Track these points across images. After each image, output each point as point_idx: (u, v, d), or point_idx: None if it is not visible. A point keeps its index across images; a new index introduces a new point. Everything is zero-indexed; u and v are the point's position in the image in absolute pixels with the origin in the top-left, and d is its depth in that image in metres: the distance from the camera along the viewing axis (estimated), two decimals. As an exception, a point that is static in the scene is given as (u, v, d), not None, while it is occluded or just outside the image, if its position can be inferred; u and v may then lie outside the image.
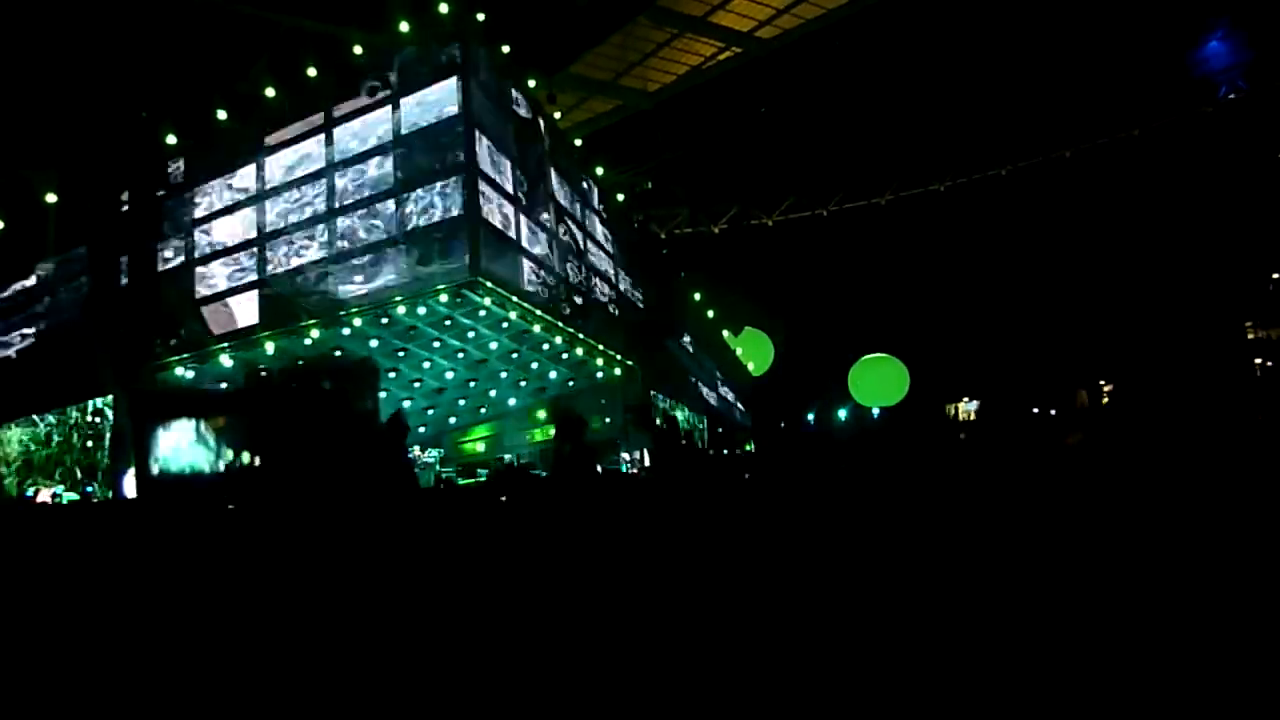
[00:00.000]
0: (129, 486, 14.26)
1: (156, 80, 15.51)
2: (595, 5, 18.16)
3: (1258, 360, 24.15)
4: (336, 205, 14.18)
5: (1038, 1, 18.47)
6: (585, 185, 18.50)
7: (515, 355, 17.34)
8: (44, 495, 14.08)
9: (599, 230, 18.77)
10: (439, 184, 13.39)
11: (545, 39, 17.97)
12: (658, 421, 15.49)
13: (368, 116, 14.18)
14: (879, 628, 2.30)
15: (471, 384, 18.48)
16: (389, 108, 13.98)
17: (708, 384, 23.91)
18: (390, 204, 13.76)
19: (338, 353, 15.16)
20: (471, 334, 15.98)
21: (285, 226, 14.60)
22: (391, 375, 17.30)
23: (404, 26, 14.04)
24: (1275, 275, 24.26)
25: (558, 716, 1.86)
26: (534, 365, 17.98)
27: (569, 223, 17.25)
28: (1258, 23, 19.38)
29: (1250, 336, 24.90)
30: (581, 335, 16.68)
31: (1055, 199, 22.96)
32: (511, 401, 19.82)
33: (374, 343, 15.61)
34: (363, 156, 14.11)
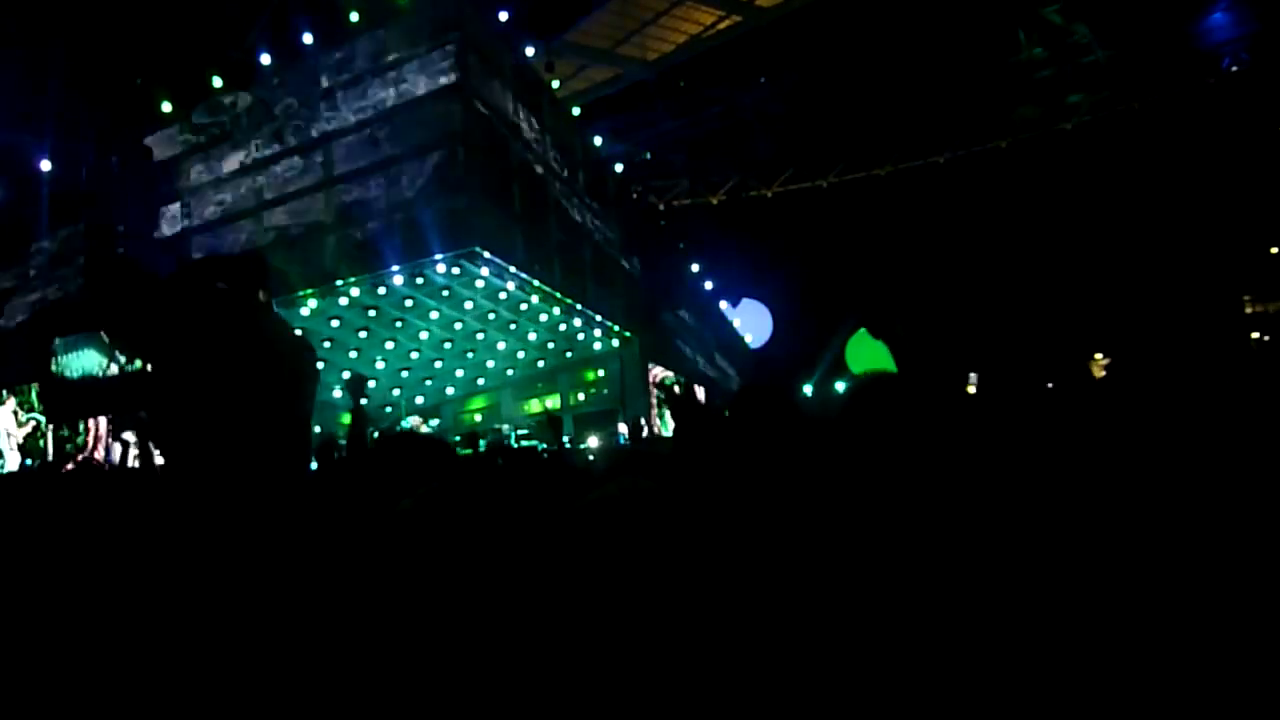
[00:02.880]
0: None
1: (151, 47, 15.33)
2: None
3: (1255, 334, 24.16)
4: (332, 175, 14.11)
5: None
6: (583, 155, 18.40)
7: (513, 326, 17.34)
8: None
9: (597, 200, 18.70)
10: (435, 153, 13.31)
11: (543, 6, 17.77)
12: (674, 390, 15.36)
13: (364, 85, 14.07)
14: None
15: (469, 354, 18.49)
16: (386, 76, 13.87)
17: (705, 356, 23.95)
18: (386, 173, 13.69)
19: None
20: (469, 304, 15.96)
21: (280, 196, 14.54)
22: (389, 346, 17.30)
23: (400, -8, 13.90)
24: (1275, 249, 24.21)
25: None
26: (531, 336, 17.98)
27: (567, 192, 17.18)
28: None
29: (1248, 310, 24.90)
30: (579, 306, 16.68)
31: (1056, 171, 22.85)
32: (509, 372, 19.85)
33: (371, 312, 15.59)
34: (359, 125, 14.02)
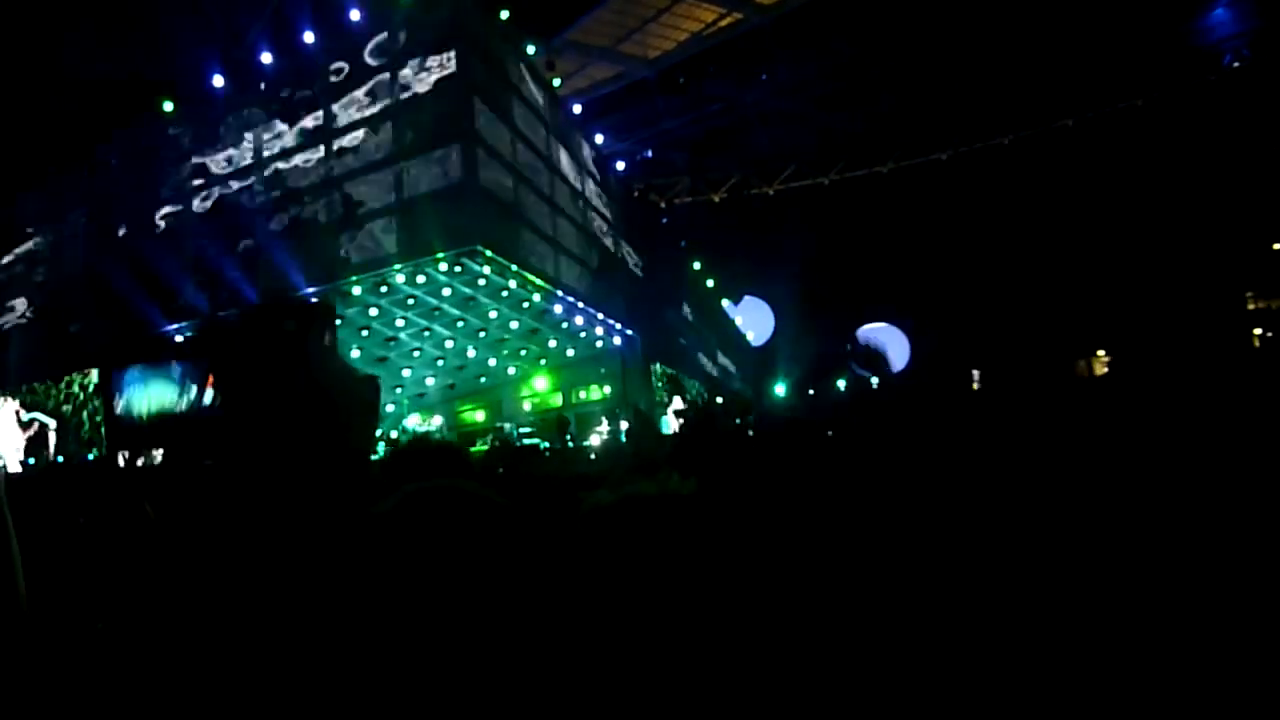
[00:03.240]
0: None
1: (155, 45, 15.36)
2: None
3: (1257, 330, 24.14)
4: (334, 173, 14.13)
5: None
6: (585, 153, 18.41)
7: (515, 324, 17.35)
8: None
9: (598, 199, 18.71)
10: (438, 151, 13.32)
11: (544, 4, 17.78)
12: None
13: (365, 83, 14.08)
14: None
15: (471, 353, 18.51)
16: (387, 74, 13.88)
17: (707, 354, 23.96)
18: (389, 171, 13.70)
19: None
20: (471, 303, 15.96)
21: (284, 193, 14.55)
22: (391, 344, 17.32)
23: (402, -9, 13.91)
24: (1276, 246, 24.19)
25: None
26: (534, 334, 18.00)
27: (569, 191, 17.19)
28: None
29: (1250, 307, 24.88)
30: (581, 304, 16.69)
31: (1058, 168, 22.85)
32: (511, 370, 19.87)
33: (373, 311, 15.60)
34: (360, 123, 14.03)
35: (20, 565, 1.06)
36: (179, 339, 13.76)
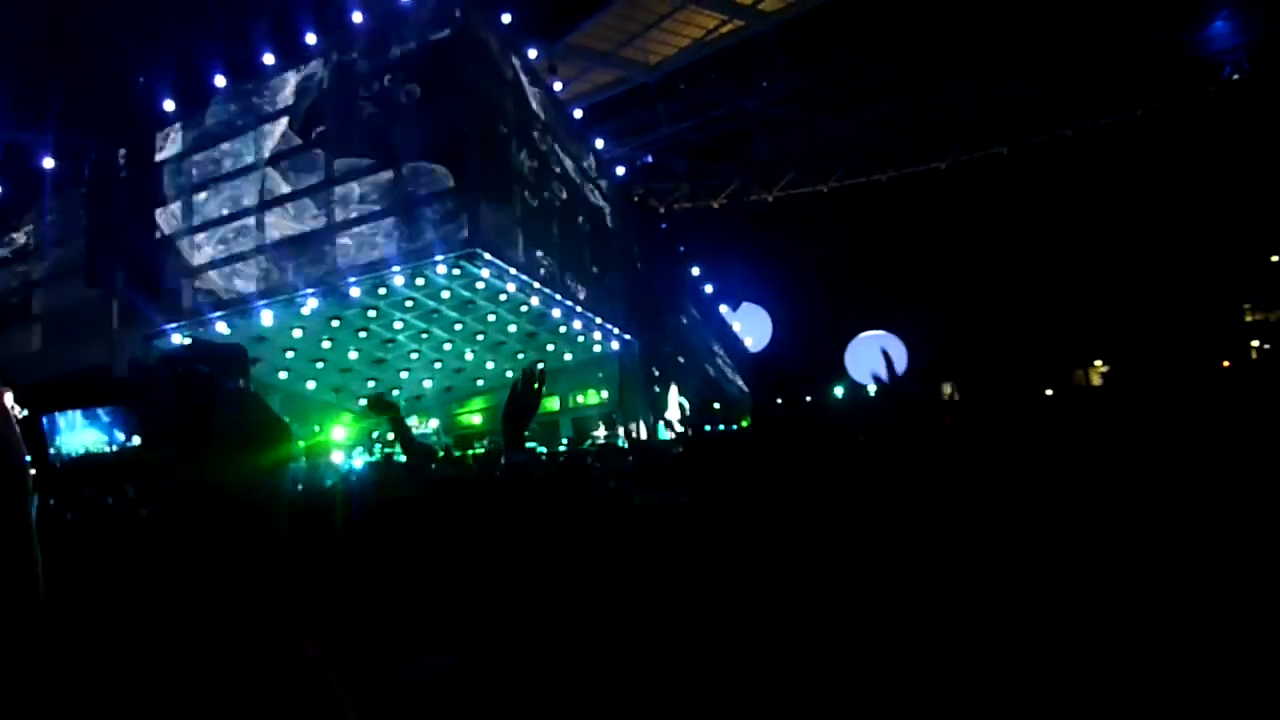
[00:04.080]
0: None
1: (154, 46, 15.36)
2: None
3: (1255, 342, 24.18)
4: (334, 175, 14.13)
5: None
6: (585, 158, 18.43)
7: (513, 328, 17.35)
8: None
9: (598, 203, 18.73)
10: (438, 154, 13.34)
11: (546, 8, 17.80)
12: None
13: (367, 84, 14.09)
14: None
15: (469, 356, 18.51)
16: (388, 76, 13.90)
17: (705, 359, 23.95)
18: (389, 174, 13.71)
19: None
20: (469, 306, 15.97)
21: (283, 195, 14.56)
22: (389, 346, 17.32)
23: (404, -6, 13.92)
24: (1275, 258, 24.23)
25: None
26: (531, 338, 18.00)
27: (568, 195, 17.20)
28: (1262, 3, 19.24)
29: (1248, 319, 24.92)
30: (579, 308, 16.69)
31: (1056, 178, 22.88)
32: (509, 374, 19.84)
33: (371, 313, 15.61)
34: (361, 126, 14.04)
35: (39, 559, 1.05)
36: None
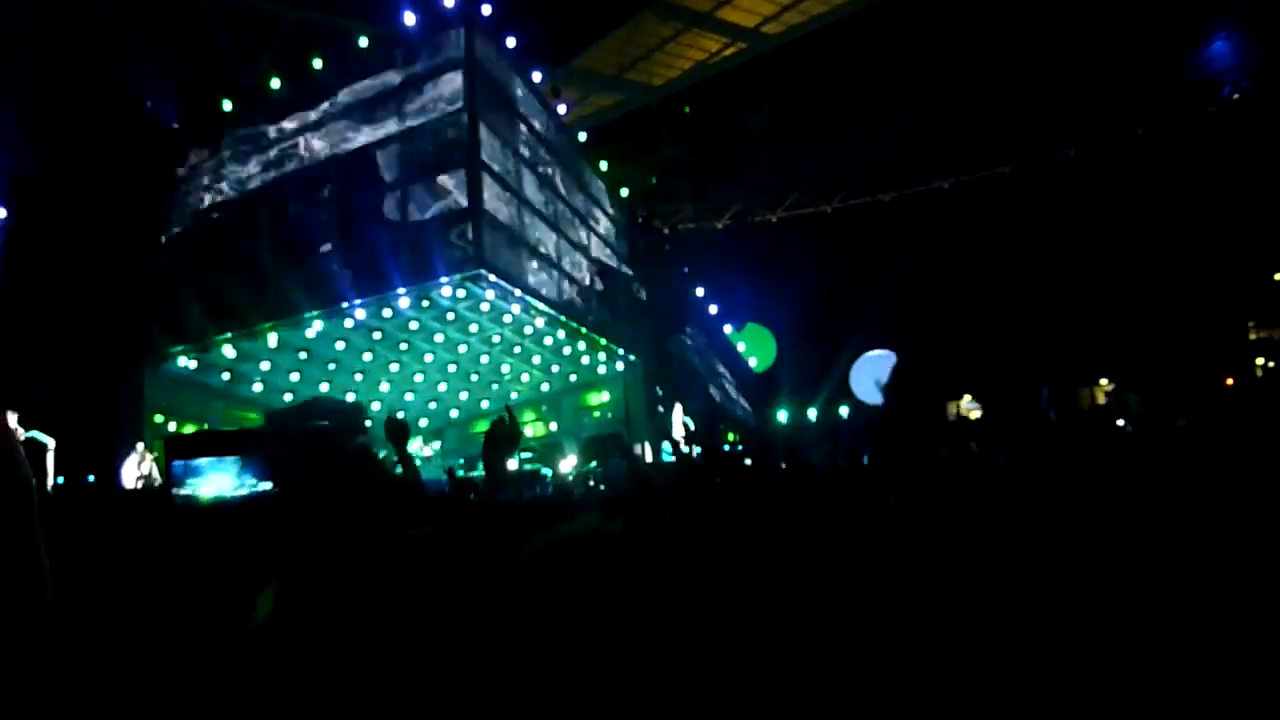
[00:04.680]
0: (127, 477, 14.38)
1: (162, 70, 15.49)
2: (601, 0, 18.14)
3: (1259, 360, 24.14)
4: (339, 197, 14.20)
5: (1043, 1, 18.45)
6: (589, 179, 18.52)
7: (518, 349, 17.37)
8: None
9: (602, 224, 18.80)
10: (443, 176, 13.41)
11: (550, 32, 17.94)
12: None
13: (372, 108, 14.20)
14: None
15: (474, 378, 18.52)
16: (394, 100, 14.00)
17: (710, 380, 23.95)
18: (394, 195, 13.78)
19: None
20: (474, 327, 16.01)
21: (287, 217, 14.62)
22: (393, 369, 17.33)
23: (409, 19, 14.03)
24: (1278, 276, 24.23)
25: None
26: (536, 359, 18.01)
27: (572, 216, 17.28)
28: (1263, 23, 19.34)
29: (1252, 337, 24.90)
30: (584, 330, 16.71)
31: (1059, 197, 22.94)
32: (514, 395, 19.86)
33: (376, 335, 15.64)
34: (367, 148, 14.13)
35: (50, 581, 1.08)
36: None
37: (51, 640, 1.06)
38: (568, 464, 13.59)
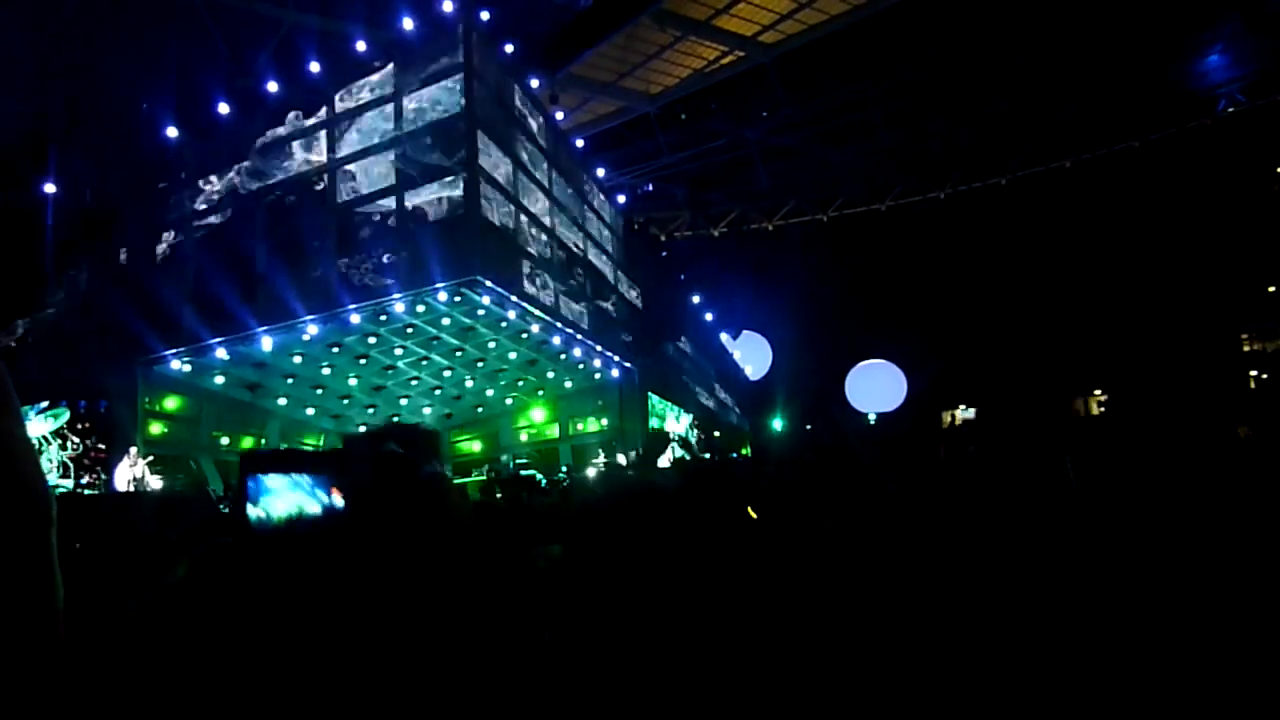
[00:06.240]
0: (120, 479, 14.36)
1: (158, 73, 15.49)
2: (598, 7, 18.16)
3: (1253, 372, 24.23)
4: (336, 201, 14.19)
5: (1039, 13, 18.53)
6: (586, 186, 18.54)
7: (513, 355, 17.36)
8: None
9: (599, 232, 18.81)
10: (440, 182, 13.40)
11: (548, 39, 17.98)
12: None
13: (370, 113, 14.20)
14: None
15: (469, 383, 18.50)
16: (391, 105, 14.00)
17: (705, 387, 23.96)
18: (391, 201, 13.77)
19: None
20: (470, 333, 15.99)
21: (284, 221, 14.60)
22: (389, 372, 17.31)
23: (408, 24, 14.04)
24: (1272, 289, 24.33)
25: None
26: (532, 365, 18.00)
27: (569, 223, 17.29)
28: (1257, 36, 19.46)
29: (1246, 349, 25.00)
30: (580, 336, 16.70)
31: (1054, 209, 23.03)
32: (509, 401, 19.85)
33: (372, 340, 15.61)
34: (364, 153, 14.13)
35: (61, 590, 1.08)
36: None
37: (66, 655, 1.06)
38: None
